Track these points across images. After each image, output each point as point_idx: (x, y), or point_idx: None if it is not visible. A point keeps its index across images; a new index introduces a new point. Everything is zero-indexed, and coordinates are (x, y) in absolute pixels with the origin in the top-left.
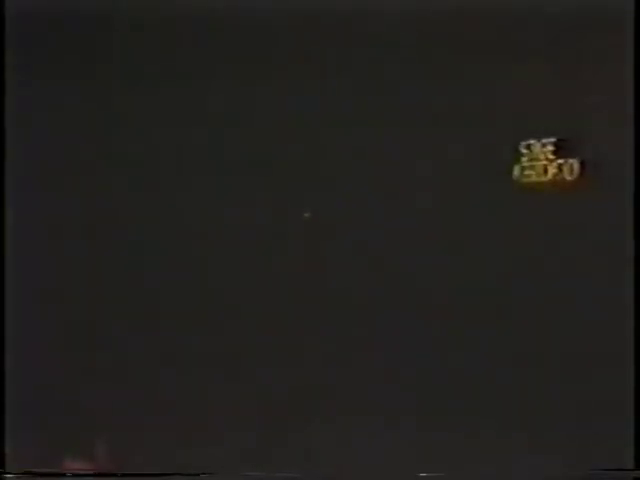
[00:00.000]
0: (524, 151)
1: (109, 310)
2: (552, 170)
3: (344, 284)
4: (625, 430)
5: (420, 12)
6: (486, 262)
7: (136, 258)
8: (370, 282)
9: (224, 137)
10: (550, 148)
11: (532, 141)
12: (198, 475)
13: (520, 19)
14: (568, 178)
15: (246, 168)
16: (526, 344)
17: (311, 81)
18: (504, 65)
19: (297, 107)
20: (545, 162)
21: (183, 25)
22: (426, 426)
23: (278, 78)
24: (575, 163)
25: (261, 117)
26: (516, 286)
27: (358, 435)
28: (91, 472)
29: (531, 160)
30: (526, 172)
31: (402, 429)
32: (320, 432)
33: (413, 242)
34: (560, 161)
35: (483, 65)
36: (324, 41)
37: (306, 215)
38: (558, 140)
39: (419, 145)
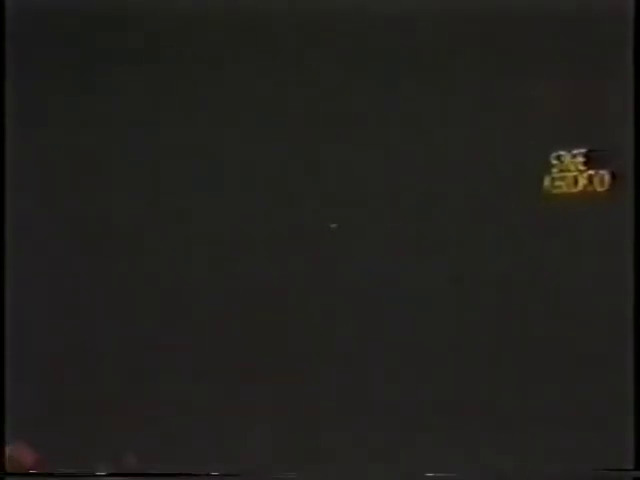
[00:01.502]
0: (554, 162)
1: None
2: (582, 181)
3: (370, 297)
4: (625, 430)
5: (445, 25)
6: (512, 272)
7: (148, 268)
8: (396, 293)
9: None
10: (580, 159)
11: (562, 152)
12: (198, 475)
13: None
14: (599, 189)
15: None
16: (527, 344)
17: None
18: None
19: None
20: (575, 173)
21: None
22: (435, 426)
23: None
24: (606, 174)
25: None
26: (533, 291)
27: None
28: (91, 473)
29: (561, 171)
30: (556, 183)
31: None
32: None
33: (439, 253)
34: (591, 172)
35: (511, 75)
36: (348, 43)
37: (333, 226)
38: (588, 151)
39: (447, 155)
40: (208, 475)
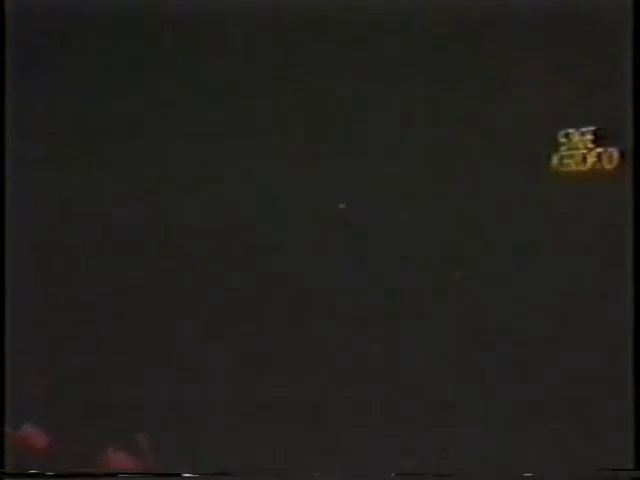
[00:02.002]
0: (562, 140)
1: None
2: (591, 159)
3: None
4: (625, 430)
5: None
6: (521, 253)
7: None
8: (408, 277)
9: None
10: (589, 137)
11: (570, 130)
12: (198, 475)
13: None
14: (608, 167)
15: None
16: (528, 342)
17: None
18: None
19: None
20: (584, 151)
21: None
22: (434, 425)
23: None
24: (615, 152)
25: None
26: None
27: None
28: (92, 473)
29: (570, 149)
30: (565, 161)
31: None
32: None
33: (445, 233)
34: (599, 150)
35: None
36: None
37: (341, 207)
38: (597, 129)
39: (456, 135)
40: (208, 475)
